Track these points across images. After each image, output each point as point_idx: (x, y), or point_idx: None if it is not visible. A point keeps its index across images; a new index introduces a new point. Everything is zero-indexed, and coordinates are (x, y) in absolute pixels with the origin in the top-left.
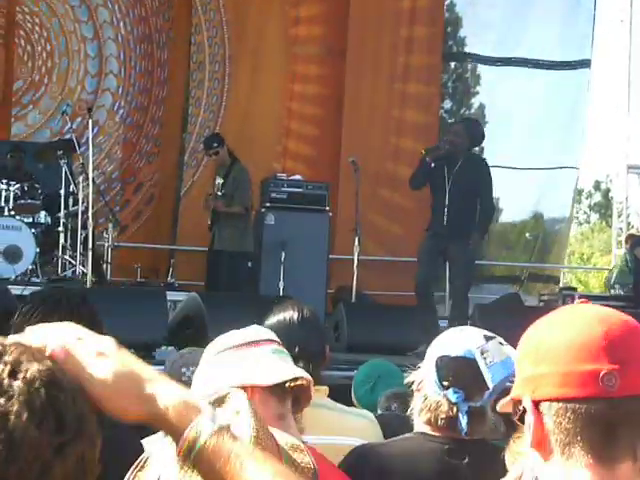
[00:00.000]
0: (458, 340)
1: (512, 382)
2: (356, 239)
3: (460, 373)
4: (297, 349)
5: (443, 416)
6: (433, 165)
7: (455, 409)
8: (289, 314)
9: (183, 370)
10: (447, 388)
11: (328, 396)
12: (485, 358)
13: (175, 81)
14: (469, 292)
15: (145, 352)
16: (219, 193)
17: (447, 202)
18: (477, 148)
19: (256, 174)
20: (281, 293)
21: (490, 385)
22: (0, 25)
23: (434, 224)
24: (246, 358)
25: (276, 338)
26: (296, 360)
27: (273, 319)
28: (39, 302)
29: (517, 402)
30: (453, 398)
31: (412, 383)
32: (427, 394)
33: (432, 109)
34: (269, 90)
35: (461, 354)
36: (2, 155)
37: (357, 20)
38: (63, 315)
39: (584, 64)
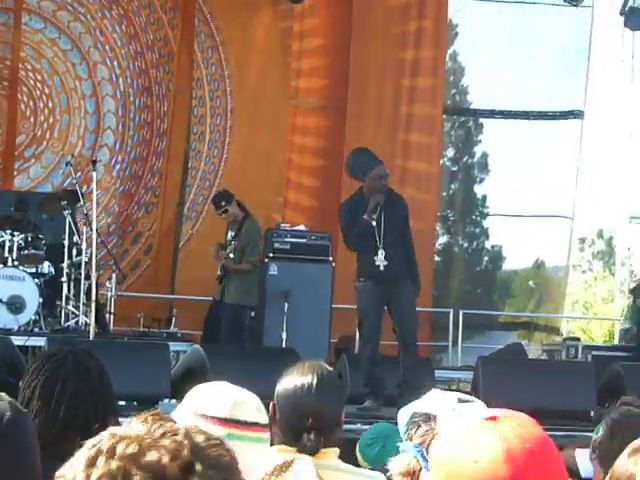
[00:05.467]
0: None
1: None
2: None
3: None
4: (310, 420)
5: None
6: (374, 223)
7: None
8: (307, 380)
9: None
10: None
11: None
12: None
13: (175, 132)
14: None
15: (148, 405)
16: (231, 255)
17: (381, 246)
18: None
19: None
20: (284, 344)
21: None
22: (4, 78)
23: (369, 272)
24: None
25: (263, 419)
26: (308, 431)
27: (289, 384)
28: (45, 361)
29: None
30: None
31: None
32: None
33: (433, 159)
34: (269, 142)
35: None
36: (6, 206)
37: (358, 71)
38: (70, 372)
39: (577, 115)
